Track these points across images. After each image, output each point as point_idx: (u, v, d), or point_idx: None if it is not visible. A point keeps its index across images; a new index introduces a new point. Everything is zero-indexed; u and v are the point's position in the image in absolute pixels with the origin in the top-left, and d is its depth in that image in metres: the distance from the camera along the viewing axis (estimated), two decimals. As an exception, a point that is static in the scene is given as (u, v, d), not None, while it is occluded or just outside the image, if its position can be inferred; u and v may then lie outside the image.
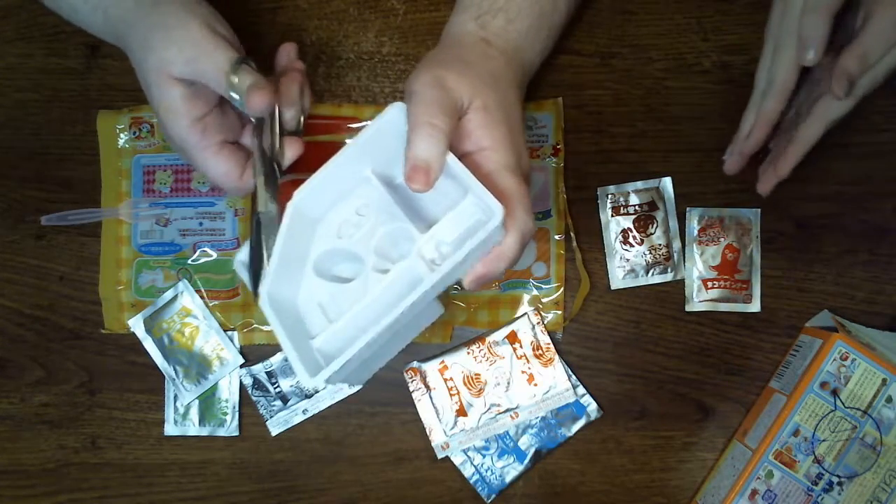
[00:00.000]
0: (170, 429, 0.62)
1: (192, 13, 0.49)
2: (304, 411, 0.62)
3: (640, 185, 0.62)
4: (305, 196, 0.48)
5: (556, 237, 0.61)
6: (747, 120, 0.56)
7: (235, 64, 0.47)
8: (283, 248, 0.47)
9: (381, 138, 0.47)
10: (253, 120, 0.51)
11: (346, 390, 0.62)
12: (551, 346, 0.61)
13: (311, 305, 0.49)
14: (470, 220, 0.45)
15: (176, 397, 0.62)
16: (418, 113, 0.44)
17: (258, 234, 0.48)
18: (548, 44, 0.55)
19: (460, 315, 0.62)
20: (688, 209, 0.62)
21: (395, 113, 0.47)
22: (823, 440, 0.56)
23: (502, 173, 0.45)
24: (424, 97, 0.44)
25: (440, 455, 0.61)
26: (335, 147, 0.48)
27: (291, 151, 0.51)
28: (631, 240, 0.62)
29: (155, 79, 0.48)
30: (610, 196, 0.62)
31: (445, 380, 0.61)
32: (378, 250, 0.48)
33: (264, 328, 0.62)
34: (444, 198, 0.47)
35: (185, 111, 0.49)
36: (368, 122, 0.49)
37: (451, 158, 0.44)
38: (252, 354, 0.62)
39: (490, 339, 0.61)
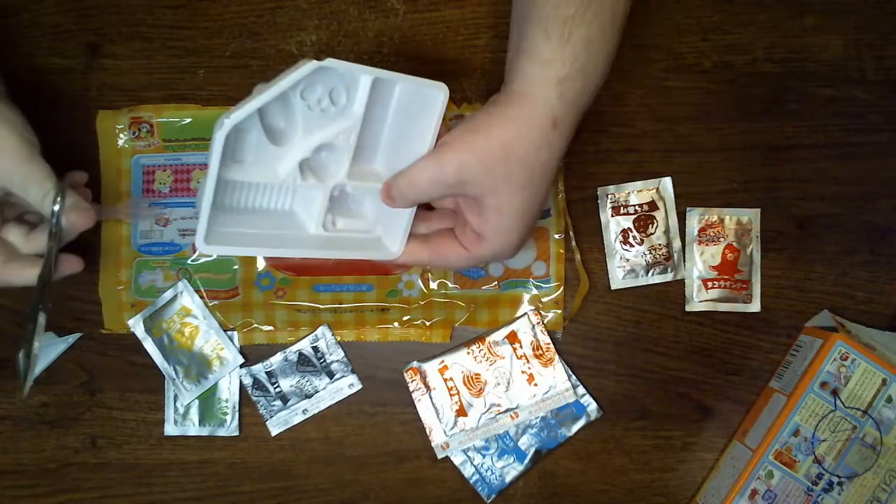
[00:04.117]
0: (170, 429, 0.62)
1: (6, 122, 0.50)
2: (304, 411, 0.62)
3: (639, 184, 0.62)
4: (334, 66, 0.47)
5: (556, 236, 0.61)
6: None
7: (59, 191, 0.50)
8: (271, 96, 0.46)
9: (401, 82, 0.50)
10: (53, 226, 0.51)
11: (346, 390, 0.62)
12: (551, 345, 0.61)
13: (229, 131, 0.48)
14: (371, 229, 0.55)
15: (176, 397, 0.62)
16: (421, 169, 0.49)
17: (32, 331, 0.50)
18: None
19: (460, 315, 0.62)
20: (688, 209, 0.62)
21: (433, 89, 0.49)
22: (823, 440, 0.56)
23: (465, 257, 0.51)
24: (440, 171, 0.48)
25: (440, 455, 0.61)
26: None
27: (69, 266, 0.52)
28: (631, 240, 0.62)
29: None
30: (610, 196, 0.62)
31: (445, 380, 0.61)
32: (316, 150, 0.50)
33: (264, 328, 0.62)
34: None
35: None
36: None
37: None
38: (252, 354, 0.62)
39: (490, 338, 0.61)
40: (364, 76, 0.49)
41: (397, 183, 0.50)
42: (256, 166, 0.50)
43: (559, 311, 0.61)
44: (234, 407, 0.62)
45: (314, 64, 0.46)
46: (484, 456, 0.61)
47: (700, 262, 0.62)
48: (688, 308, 0.62)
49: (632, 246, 0.62)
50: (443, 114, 0.49)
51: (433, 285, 0.62)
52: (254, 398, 0.62)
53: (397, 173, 0.50)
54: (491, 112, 0.48)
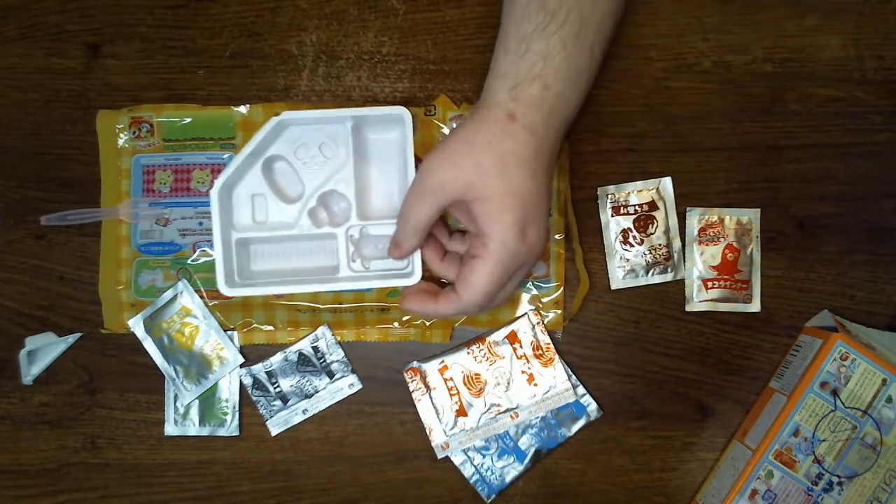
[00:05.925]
0: (170, 429, 0.62)
1: None
2: (304, 411, 0.62)
3: (639, 184, 0.62)
4: (291, 119, 0.58)
5: (556, 237, 0.61)
6: None
7: None
8: (253, 149, 0.58)
9: (376, 121, 0.59)
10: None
11: (346, 390, 0.62)
12: (551, 345, 0.61)
13: (245, 196, 0.60)
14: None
15: (176, 397, 0.62)
16: (406, 198, 0.52)
17: None
18: (584, 95, 0.53)
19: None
20: (688, 209, 0.62)
21: (399, 114, 0.57)
22: (823, 440, 0.56)
23: (481, 266, 0.51)
24: (418, 184, 0.51)
25: (440, 455, 0.61)
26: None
27: None
28: (631, 240, 0.62)
29: None
30: (610, 196, 0.62)
31: (445, 380, 0.61)
32: (321, 199, 0.59)
33: (264, 328, 0.62)
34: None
35: None
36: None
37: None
38: (252, 354, 0.62)
39: (490, 338, 0.61)
40: (346, 122, 0.58)
41: (395, 235, 0.54)
42: (274, 222, 0.60)
43: (559, 311, 0.61)
44: (234, 407, 0.62)
45: (273, 120, 0.57)
46: (484, 456, 0.61)
47: (700, 262, 0.62)
48: (688, 308, 0.62)
49: (632, 246, 0.62)
50: (412, 135, 0.57)
51: (433, 285, 0.62)
52: (254, 398, 0.62)
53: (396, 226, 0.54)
54: (456, 125, 0.52)
